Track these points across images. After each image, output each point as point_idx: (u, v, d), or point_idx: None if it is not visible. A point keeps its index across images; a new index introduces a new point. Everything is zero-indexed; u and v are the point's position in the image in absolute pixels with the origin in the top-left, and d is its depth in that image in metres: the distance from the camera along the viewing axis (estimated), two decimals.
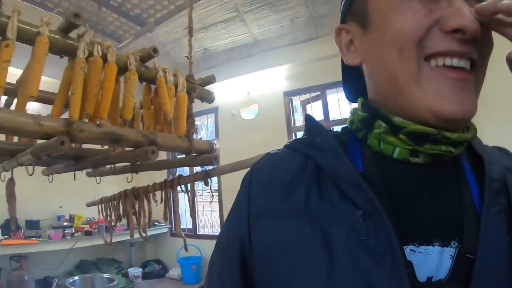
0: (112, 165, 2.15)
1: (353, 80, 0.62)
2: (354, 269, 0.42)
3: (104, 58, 1.42)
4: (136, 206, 2.21)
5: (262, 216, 0.51)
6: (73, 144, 1.70)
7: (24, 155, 1.52)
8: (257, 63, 4.75)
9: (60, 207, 4.84)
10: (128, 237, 3.56)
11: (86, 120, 1.36)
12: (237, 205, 0.57)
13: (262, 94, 4.97)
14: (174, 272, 5.32)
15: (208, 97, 2.03)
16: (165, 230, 5.64)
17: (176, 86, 1.70)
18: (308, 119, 0.59)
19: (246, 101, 5.17)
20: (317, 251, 0.44)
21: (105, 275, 4.07)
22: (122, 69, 1.50)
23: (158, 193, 2.19)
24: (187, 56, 1.89)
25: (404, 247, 0.44)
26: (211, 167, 2.07)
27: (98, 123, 1.36)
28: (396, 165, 0.50)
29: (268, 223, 0.50)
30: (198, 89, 1.85)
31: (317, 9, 4.09)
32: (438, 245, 0.45)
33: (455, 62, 0.45)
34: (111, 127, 1.43)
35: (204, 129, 5.77)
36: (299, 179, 0.52)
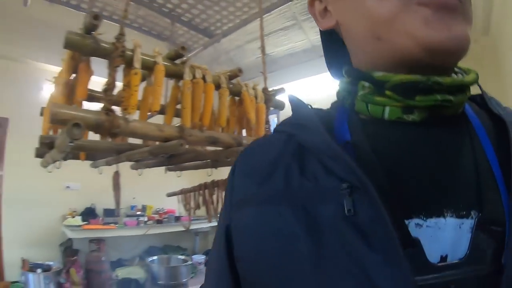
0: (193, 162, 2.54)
1: (337, 57, 0.57)
2: (343, 250, 0.36)
3: (203, 79, 1.80)
4: (214, 196, 2.61)
5: (242, 205, 0.47)
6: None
7: (136, 153, 1.93)
8: (315, 68, 5.00)
9: (134, 198, 5.37)
10: (193, 227, 4.02)
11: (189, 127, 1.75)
12: (224, 196, 0.54)
13: (321, 97, 5.23)
14: None
15: (279, 105, 2.40)
16: None
17: (256, 98, 2.06)
18: (290, 99, 0.53)
19: None
20: (301, 235, 0.39)
21: (179, 256, 4.57)
22: (216, 87, 1.88)
23: None
24: (260, 71, 2.24)
25: (407, 221, 0.38)
26: None
27: (202, 129, 1.75)
28: (390, 128, 0.44)
29: (248, 211, 0.46)
30: (273, 98, 2.21)
31: None
32: (452, 217, 0.38)
33: None
34: (211, 132, 1.83)
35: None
36: (280, 160, 0.47)
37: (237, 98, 2.09)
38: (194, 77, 1.77)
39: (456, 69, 0.47)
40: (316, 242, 0.38)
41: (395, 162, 0.42)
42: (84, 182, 3.22)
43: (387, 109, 0.44)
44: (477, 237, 0.36)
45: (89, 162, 2.48)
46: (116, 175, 2.46)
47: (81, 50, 1.52)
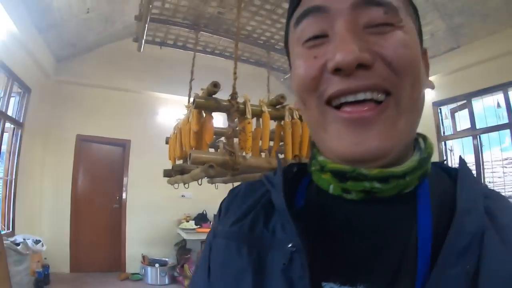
0: None
1: None
2: None
3: (300, 118, 2.23)
4: None
5: (218, 235, 0.54)
6: None
7: (251, 177, 2.42)
8: None
9: None
10: None
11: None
12: (212, 223, 0.62)
13: None
14: None
15: None
16: None
17: None
18: (278, 161, 0.59)
19: None
20: (249, 272, 0.46)
21: None
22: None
23: None
24: None
25: (324, 283, 0.43)
26: None
27: (301, 159, 2.19)
28: (336, 200, 0.48)
29: (220, 241, 0.53)
30: None
31: (454, 21, 4.46)
32: None
33: (350, 98, 0.42)
34: (305, 160, 2.25)
35: None
36: (253, 208, 0.53)
37: None
38: (292, 117, 2.21)
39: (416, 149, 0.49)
40: (259, 282, 0.44)
41: (332, 232, 0.46)
42: (196, 192, 3.84)
43: (331, 186, 0.48)
44: None
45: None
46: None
47: (206, 108, 2.05)
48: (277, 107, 2.29)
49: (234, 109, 2.00)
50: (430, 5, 4.25)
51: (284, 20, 4.20)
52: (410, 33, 0.45)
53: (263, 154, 2.25)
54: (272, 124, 2.30)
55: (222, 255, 0.51)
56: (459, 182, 0.46)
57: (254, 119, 2.22)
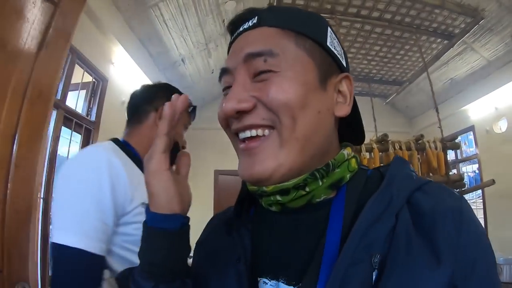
0: None
1: None
2: (230, 282, 0.55)
3: (400, 148, 2.95)
4: None
5: (199, 242, 0.70)
6: None
7: None
8: (496, 81, 5.39)
9: None
10: None
11: None
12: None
13: (509, 106, 5.40)
14: None
15: (455, 148, 3.34)
16: None
17: (436, 148, 3.08)
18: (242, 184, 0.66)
19: (495, 116, 5.69)
20: (210, 267, 0.60)
21: None
22: (407, 149, 3.02)
23: None
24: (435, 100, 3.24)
25: (259, 278, 0.54)
26: None
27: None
28: (268, 212, 0.59)
29: (199, 247, 0.68)
30: (448, 145, 3.17)
31: None
32: (283, 283, 0.52)
33: (241, 135, 0.53)
34: (433, 177, 2.99)
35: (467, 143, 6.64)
36: (221, 223, 0.67)
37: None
38: (394, 148, 2.95)
39: (321, 171, 0.53)
40: (219, 274, 0.57)
41: (265, 237, 0.58)
42: None
43: (262, 201, 0.58)
44: None
45: None
46: None
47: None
48: (382, 142, 3.06)
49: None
50: (504, 9, 4.40)
51: (377, 58, 4.95)
52: (291, 75, 0.51)
53: None
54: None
55: (200, 256, 0.66)
56: (382, 184, 0.51)
57: (368, 153, 3.03)
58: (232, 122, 0.54)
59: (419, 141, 3.15)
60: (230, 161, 7.30)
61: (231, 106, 0.51)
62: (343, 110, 0.57)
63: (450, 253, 0.43)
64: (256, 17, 0.55)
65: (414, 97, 6.91)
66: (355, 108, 0.60)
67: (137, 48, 4.59)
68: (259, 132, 0.52)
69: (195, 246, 0.67)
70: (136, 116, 1.23)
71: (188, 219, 0.56)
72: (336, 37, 0.60)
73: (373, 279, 0.43)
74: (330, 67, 0.56)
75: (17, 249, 1.23)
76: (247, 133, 0.52)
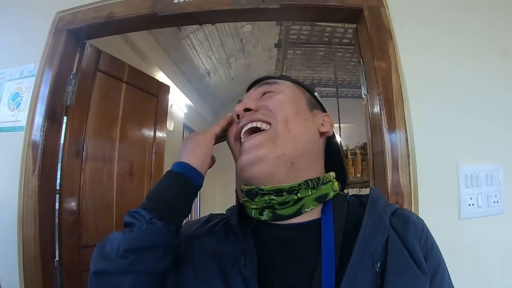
0: None
1: None
2: (239, 285, 0.58)
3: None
4: None
5: (190, 239, 0.71)
6: None
7: None
8: None
9: None
10: None
11: None
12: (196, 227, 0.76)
13: None
14: None
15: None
16: None
17: None
18: (236, 196, 0.76)
19: None
20: (212, 268, 0.62)
21: None
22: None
23: None
24: None
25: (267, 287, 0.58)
26: None
27: None
28: (260, 223, 0.67)
29: (195, 243, 0.70)
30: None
31: None
32: None
33: (245, 128, 0.71)
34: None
35: None
36: (219, 225, 0.73)
37: None
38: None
39: (314, 181, 0.65)
40: (222, 278, 0.60)
41: (267, 247, 0.63)
42: None
43: (252, 212, 0.67)
44: None
45: None
46: None
47: None
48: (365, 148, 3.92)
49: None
50: None
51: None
52: (287, 94, 0.74)
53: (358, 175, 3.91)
54: None
55: (195, 253, 0.67)
56: (368, 204, 0.62)
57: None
58: (240, 121, 0.71)
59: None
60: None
61: (241, 105, 0.70)
62: (326, 128, 0.74)
63: (433, 268, 0.59)
64: (272, 79, 0.79)
65: None
66: (340, 158, 0.79)
67: (172, 70, 5.58)
68: (259, 124, 0.68)
69: (184, 237, 0.70)
70: None
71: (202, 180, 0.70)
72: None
73: (378, 281, 0.53)
74: (316, 104, 0.78)
75: None
76: (251, 124, 0.69)
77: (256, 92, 0.77)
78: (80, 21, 1.80)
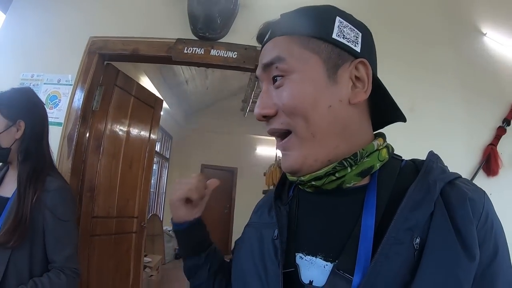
0: None
1: None
2: (269, 255, 0.61)
3: None
4: None
5: (248, 224, 0.76)
6: None
7: None
8: None
9: None
10: None
11: None
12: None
13: None
14: None
15: None
16: None
17: None
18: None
19: None
20: (255, 241, 0.67)
21: None
22: None
23: None
24: None
25: (296, 253, 0.59)
26: None
27: None
28: (303, 192, 0.67)
29: (247, 229, 0.75)
30: None
31: None
32: (321, 258, 0.56)
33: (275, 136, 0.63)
34: None
35: None
36: (265, 205, 0.75)
37: None
38: None
39: (349, 160, 0.58)
40: (260, 247, 0.64)
41: (302, 215, 0.64)
42: None
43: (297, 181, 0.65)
44: (331, 277, 0.53)
45: None
46: None
47: None
48: None
49: None
50: None
51: None
52: (298, 77, 0.59)
53: None
54: None
55: (247, 235, 0.73)
56: (420, 174, 0.56)
57: None
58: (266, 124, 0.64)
59: None
60: (214, 158, 9.12)
61: (257, 112, 0.61)
62: (359, 97, 0.59)
63: (478, 249, 0.49)
64: (269, 31, 0.65)
65: None
66: (379, 89, 0.62)
67: (156, 76, 6.18)
68: (282, 135, 0.62)
69: (245, 228, 0.77)
70: None
71: (195, 220, 0.80)
72: (351, 22, 0.62)
73: (414, 258, 0.48)
74: (340, 58, 0.59)
75: None
76: (278, 135, 0.63)
77: (266, 80, 0.63)
78: (109, 48, 2.44)
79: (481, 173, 2.44)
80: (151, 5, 2.53)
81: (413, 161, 0.64)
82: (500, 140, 2.48)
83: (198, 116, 8.93)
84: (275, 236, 0.62)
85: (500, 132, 2.49)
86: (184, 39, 2.36)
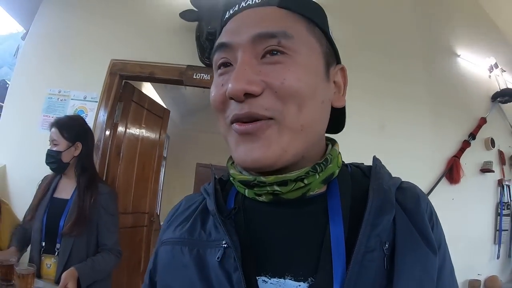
0: None
1: None
2: (220, 285, 0.48)
3: None
4: None
5: (164, 242, 0.60)
6: None
7: None
8: None
9: None
10: None
11: None
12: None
13: None
14: None
15: None
16: None
17: None
18: (212, 172, 0.64)
19: None
20: (192, 266, 0.51)
21: None
22: None
23: None
24: None
25: (257, 277, 0.48)
26: None
27: None
28: (254, 203, 0.54)
29: (165, 247, 0.59)
30: None
31: None
32: (291, 279, 0.47)
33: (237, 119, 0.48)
34: None
35: None
36: (192, 215, 0.60)
37: None
38: None
39: (322, 165, 0.52)
40: (203, 274, 0.50)
41: (256, 231, 0.52)
42: None
43: (246, 191, 0.55)
44: None
45: None
46: None
47: None
48: None
49: None
50: None
51: None
52: (304, 61, 0.49)
53: None
54: None
55: (167, 257, 0.57)
56: (372, 180, 0.53)
57: None
58: (229, 106, 0.50)
59: None
60: (209, 157, 9.43)
61: (240, 87, 0.46)
62: (340, 101, 0.57)
63: (437, 245, 0.51)
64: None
65: None
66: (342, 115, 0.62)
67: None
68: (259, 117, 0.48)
69: (159, 247, 0.62)
70: None
71: None
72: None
73: (385, 264, 0.46)
74: (331, 57, 0.56)
75: None
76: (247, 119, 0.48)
77: (251, 51, 0.49)
78: (129, 70, 2.92)
79: (444, 181, 2.88)
80: (165, 34, 2.98)
81: (356, 166, 0.62)
82: (464, 153, 2.89)
83: (195, 116, 9.37)
84: (222, 258, 0.50)
85: (464, 145, 2.90)
86: (193, 66, 2.83)
